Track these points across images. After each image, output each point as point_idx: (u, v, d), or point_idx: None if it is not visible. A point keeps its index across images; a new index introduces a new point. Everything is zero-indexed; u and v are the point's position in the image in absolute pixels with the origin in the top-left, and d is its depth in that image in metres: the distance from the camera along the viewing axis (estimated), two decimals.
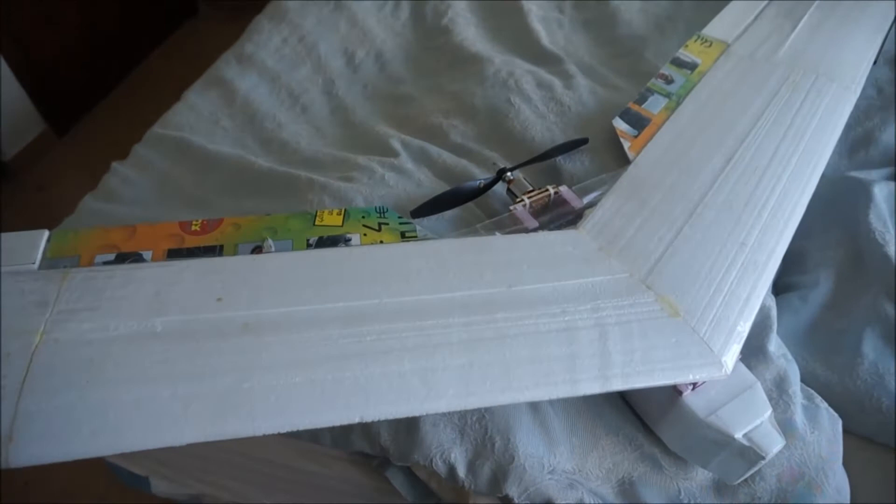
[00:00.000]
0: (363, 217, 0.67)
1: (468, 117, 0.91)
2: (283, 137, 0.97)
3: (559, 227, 0.70)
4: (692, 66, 0.92)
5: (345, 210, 0.67)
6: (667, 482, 0.62)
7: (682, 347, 0.58)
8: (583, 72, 1.01)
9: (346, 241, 0.64)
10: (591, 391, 0.55)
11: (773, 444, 0.56)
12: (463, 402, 0.52)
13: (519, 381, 0.54)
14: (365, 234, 0.65)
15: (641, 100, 0.85)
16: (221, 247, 0.62)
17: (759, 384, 0.60)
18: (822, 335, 0.79)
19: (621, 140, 0.79)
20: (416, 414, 0.52)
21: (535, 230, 0.69)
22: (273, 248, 0.62)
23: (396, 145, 0.87)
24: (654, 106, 0.85)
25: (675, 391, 0.58)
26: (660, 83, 0.88)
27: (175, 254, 0.61)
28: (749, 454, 0.56)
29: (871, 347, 0.74)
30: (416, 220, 0.72)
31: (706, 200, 0.71)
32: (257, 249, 0.63)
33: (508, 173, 0.76)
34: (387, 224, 0.67)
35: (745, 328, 0.60)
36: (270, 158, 0.91)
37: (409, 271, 0.61)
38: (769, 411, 0.58)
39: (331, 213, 0.67)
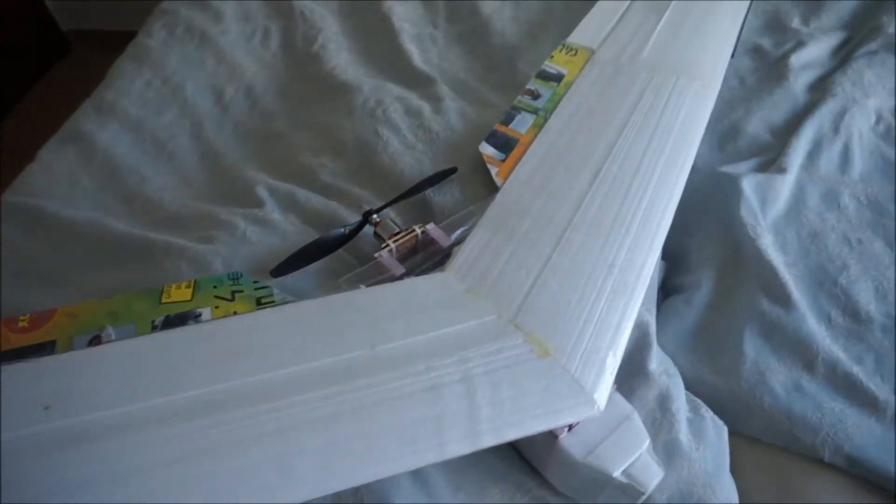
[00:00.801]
0: (215, 287, 0.63)
1: (337, 153, 0.88)
2: (147, 193, 0.91)
3: (429, 270, 0.67)
4: (558, 78, 0.91)
5: (195, 282, 0.63)
6: None
7: (553, 390, 0.56)
8: (455, 91, 0.99)
9: (196, 318, 0.60)
10: (460, 452, 0.52)
11: (652, 477, 0.56)
12: (322, 488, 0.49)
13: (382, 454, 0.51)
14: (217, 307, 0.61)
15: (508, 119, 0.84)
16: (54, 342, 0.57)
17: (635, 413, 0.59)
18: (708, 337, 0.79)
19: (488, 166, 0.77)
20: None
21: (401, 277, 0.66)
22: (112, 337, 0.57)
23: (262, 193, 0.82)
24: (522, 125, 0.83)
25: (551, 435, 0.57)
26: (526, 99, 0.87)
27: None
28: (630, 490, 0.56)
29: (751, 346, 0.75)
30: (279, 280, 0.68)
31: (574, 223, 0.70)
32: (96, 340, 0.58)
33: (374, 215, 0.73)
34: (241, 292, 0.63)
35: (616, 358, 0.59)
36: (131, 220, 0.85)
37: (265, 344, 0.57)
38: (647, 442, 0.57)
39: (179, 287, 0.63)
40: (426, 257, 0.69)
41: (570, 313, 0.62)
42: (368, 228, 0.74)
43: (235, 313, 0.60)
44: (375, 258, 0.68)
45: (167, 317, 0.60)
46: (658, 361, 0.70)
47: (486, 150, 0.79)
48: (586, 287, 0.64)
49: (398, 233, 0.70)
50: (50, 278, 0.80)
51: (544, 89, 0.89)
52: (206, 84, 1.10)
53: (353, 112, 0.93)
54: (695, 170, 0.94)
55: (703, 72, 0.92)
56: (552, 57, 0.94)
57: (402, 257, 0.69)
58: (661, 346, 0.79)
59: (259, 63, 1.14)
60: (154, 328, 0.59)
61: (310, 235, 0.75)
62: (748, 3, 1.03)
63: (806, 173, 0.91)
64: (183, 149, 0.99)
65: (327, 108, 0.98)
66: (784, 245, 0.84)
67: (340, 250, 0.73)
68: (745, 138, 0.97)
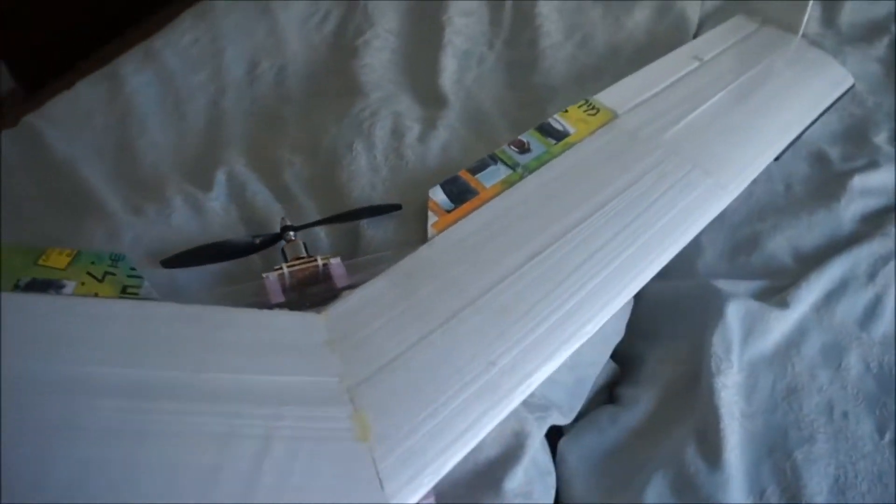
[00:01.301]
0: (92, 263, 0.62)
1: (310, 156, 0.85)
2: (137, 146, 0.92)
3: (312, 306, 0.63)
4: (560, 136, 0.83)
5: (77, 252, 0.63)
6: None
7: (348, 481, 0.51)
8: (465, 120, 0.93)
9: (58, 289, 0.60)
10: None
11: None
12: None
13: (136, 487, 0.48)
14: (83, 283, 0.61)
15: (479, 168, 0.77)
16: None
17: None
18: (617, 466, 0.70)
19: (429, 213, 0.71)
20: None
21: (276, 306, 0.62)
22: None
23: (220, 178, 0.81)
24: (490, 178, 0.76)
25: None
26: (510, 151, 0.80)
27: None
28: None
29: (654, 494, 0.65)
30: (172, 272, 0.67)
31: (479, 303, 0.63)
32: None
33: (291, 233, 0.70)
34: (113, 275, 0.62)
35: (440, 468, 0.53)
36: (106, 172, 0.87)
37: (90, 336, 0.56)
38: None
39: (61, 253, 0.63)
40: (316, 292, 0.65)
41: (416, 402, 0.56)
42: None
43: (97, 294, 0.60)
44: (263, 277, 0.65)
45: (33, 280, 0.60)
46: (524, 481, 0.62)
47: (437, 195, 0.73)
48: (452, 378, 0.57)
49: (301, 258, 0.67)
50: (16, 207, 0.83)
51: (537, 144, 0.81)
52: (245, 53, 1.11)
53: (345, 117, 0.89)
54: (686, 273, 0.84)
55: (725, 170, 0.80)
56: (566, 111, 0.86)
57: (295, 285, 0.66)
58: (565, 458, 0.71)
59: (305, 44, 1.13)
60: (16, 287, 0.59)
61: (234, 234, 0.73)
62: (819, 110, 0.89)
63: (815, 315, 0.77)
64: (195, 112, 1.01)
65: (332, 105, 0.95)
66: (752, 391, 0.72)
67: (256, 256, 0.71)
68: (762, 255, 0.84)
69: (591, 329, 0.63)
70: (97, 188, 0.80)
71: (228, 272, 0.70)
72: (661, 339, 0.80)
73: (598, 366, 0.76)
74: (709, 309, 0.77)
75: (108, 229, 0.72)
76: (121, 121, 0.98)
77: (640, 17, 1.18)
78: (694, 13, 1.19)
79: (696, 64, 0.98)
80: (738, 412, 0.70)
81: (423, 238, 0.69)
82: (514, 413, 0.64)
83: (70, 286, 0.60)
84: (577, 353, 0.73)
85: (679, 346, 0.78)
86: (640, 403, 0.74)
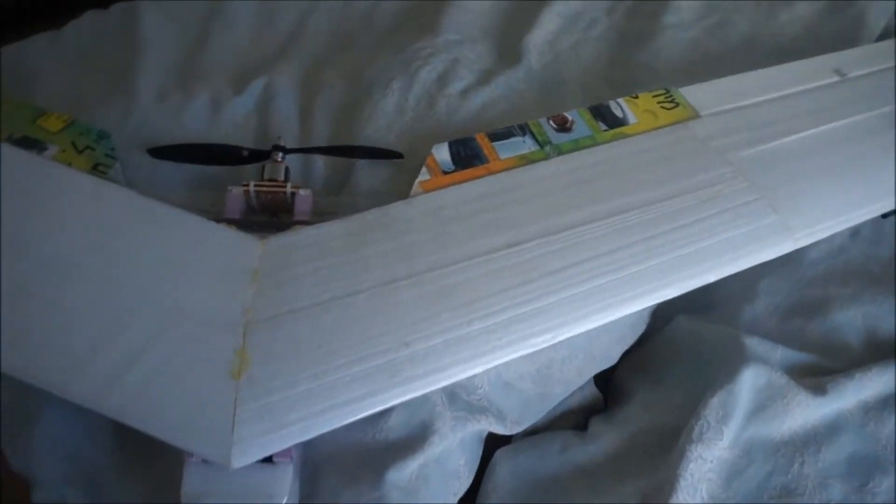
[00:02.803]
0: (80, 134, 0.64)
1: (351, 85, 0.80)
2: (213, 41, 0.91)
3: (266, 230, 0.60)
4: (615, 122, 0.71)
5: (71, 121, 0.65)
6: None
7: (202, 410, 0.49)
8: (530, 84, 0.84)
9: (42, 150, 0.62)
10: None
11: None
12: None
13: None
14: (63, 151, 0.62)
15: (502, 135, 0.68)
16: None
17: (284, 501, 0.49)
18: (547, 498, 0.62)
19: (423, 169, 0.65)
20: None
21: (228, 221, 0.60)
22: None
23: (257, 85, 0.79)
24: (510, 149, 0.67)
25: (185, 451, 0.49)
26: (547, 126, 0.70)
27: None
28: None
29: None
30: (160, 163, 0.67)
31: (424, 277, 0.56)
32: None
33: (280, 154, 0.67)
34: (93, 150, 0.63)
35: (303, 433, 0.49)
36: (167, 55, 0.87)
37: (49, 202, 0.58)
38: None
39: (59, 117, 0.65)
40: (273, 221, 0.62)
41: (307, 358, 0.51)
42: None
43: (70, 164, 0.61)
44: (228, 189, 0.63)
45: (24, 136, 0.62)
46: (413, 476, 0.56)
47: (440, 152, 0.66)
48: (356, 346, 0.52)
49: (273, 180, 0.64)
50: (70, 69, 0.86)
51: (583, 126, 0.71)
52: None
53: (401, 53, 0.83)
54: (727, 318, 0.71)
55: (799, 213, 0.65)
56: (635, 97, 0.74)
57: (257, 206, 0.63)
58: (495, 468, 0.64)
59: None
60: (8, 139, 0.62)
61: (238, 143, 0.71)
62: None
63: (860, 417, 0.62)
64: (282, 23, 0.96)
65: (405, 39, 0.89)
66: (736, 476, 0.60)
67: (250, 167, 0.69)
68: (824, 325, 0.69)
69: (539, 343, 0.55)
70: (146, 67, 0.81)
71: (212, 178, 0.69)
72: (661, 382, 0.69)
73: (569, 386, 0.67)
74: (723, 366, 0.64)
75: (126, 107, 0.74)
76: (210, 16, 0.99)
77: (802, 11, 0.99)
78: (880, 16, 0.96)
79: (835, 79, 0.80)
80: (705, 492, 0.58)
81: (407, 194, 0.63)
82: (429, 404, 0.58)
83: (53, 150, 0.62)
84: (548, 367, 0.65)
85: (673, 395, 0.66)
86: (600, 442, 0.64)
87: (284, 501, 0.49)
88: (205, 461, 0.49)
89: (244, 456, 0.47)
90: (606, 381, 0.75)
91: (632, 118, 0.72)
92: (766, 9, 0.99)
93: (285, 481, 0.49)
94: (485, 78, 0.82)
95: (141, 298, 0.53)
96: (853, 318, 0.68)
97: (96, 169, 0.61)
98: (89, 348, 0.51)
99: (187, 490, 0.48)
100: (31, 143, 0.62)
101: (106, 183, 0.60)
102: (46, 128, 0.64)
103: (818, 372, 0.65)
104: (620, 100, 0.73)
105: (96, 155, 0.63)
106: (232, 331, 0.52)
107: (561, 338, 0.56)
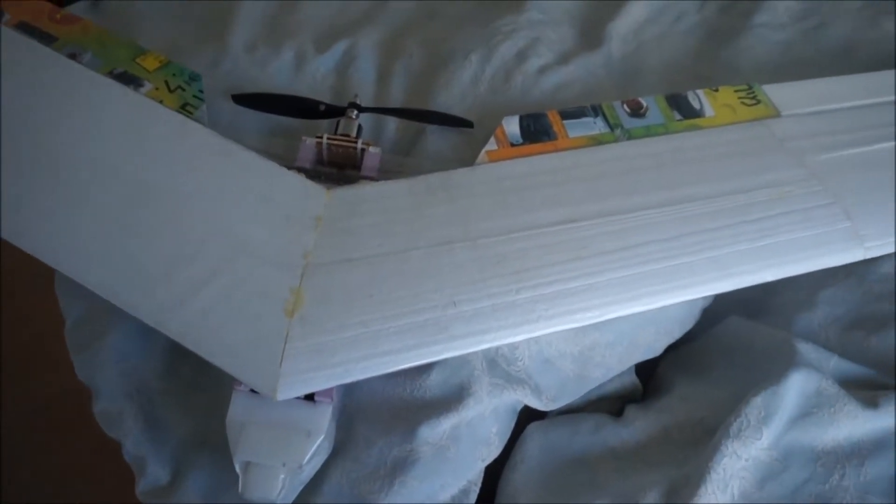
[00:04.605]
0: (173, 75, 0.68)
1: (431, 53, 0.82)
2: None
3: (335, 182, 0.63)
4: (690, 113, 0.70)
5: (167, 61, 0.69)
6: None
7: (255, 340, 0.52)
8: (609, 70, 0.83)
9: (138, 86, 0.66)
10: None
11: (266, 491, 0.49)
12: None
13: None
14: (157, 88, 0.67)
15: (574, 114, 0.69)
16: (56, 38, 0.69)
17: (322, 440, 0.51)
18: (574, 476, 0.62)
19: (492, 139, 0.66)
20: None
21: (298, 170, 0.63)
22: (84, 61, 0.67)
23: (340, 46, 0.82)
24: (581, 128, 0.68)
25: (235, 380, 0.53)
26: (620, 109, 0.70)
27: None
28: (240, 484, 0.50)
29: None
30: (241, 109, 0.71)
31: (480, 242, 0.58)
32: (75, 56, 0.68)
33: (355, 112, 0.69)
34: (183, 90, 0.67)
35: (345, 375, 0.51)
36: (262, 10, 0.91)
37: (139, 133, 0.62)
38: (296, 465, 0.50)
39: (157, 57, 0.69)
40: (342, 174, 0.64)
41: (357, 305, 0.54)
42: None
43: (161, 102, 0.65)
44: (302, 139, 0.65)
45: (125, 72, 0.67)
46: (445, 435, 0.57)
47: (510, 125, 0.67)
48: (405, 298, 0.54)
49: (346, 136, 0.66)
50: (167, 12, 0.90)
51: (657, 113, 0.70)
52: None
53: (486, 26, 0.84)
54: (781, 323, 0.69)
55: (874, 222, 0.63)
56: (716, 90, 0.73)
57: (328, 159, 0.66)
58: (526, 440, 0.65)
59: None
60: (110, 73, 0.67)
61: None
62: None
63: None
64: None
65: (490, 15, 0.90)
66: (771, 478, 0.58)
67: (325, 125, 0.72)
68: (886, 341, 0.66)
69: (584, 318, 0.56)
70: (239, 19, 0.84)
71: (289, 128, 0.72)
72: (704, 377, 0.68)
73: (609, 371, 0.67)
74: (772, 368, 0.63)
75: (216, 55, 0.78)
76: None
77: None
78: None
79: None
80: (736, 490, 0.57)
81: (472, 162, 0.65)
82: (469, 367, 0.60)
83: (147, 87, 0.67)
84: (591, 349, 0.66)
85: (715, 392, 0.65)
86: (633, 428, 0.64)
87: (321, 439, 0.51)
88: (252, 391, 0.52)
89: (288, 390, 0.50)
90: (649, 374, 0.74)
91: (709, 111, 0.71)
92: (870, 16, 0.95)
93: (324, 420, 0.52)
94: (563, 59, 0.82)
95: (211, 231, 0.57)
96: None
97: (184, 108, 0.65)
98: (160, 272, 0.55)
99: (233, 416, 0.51)
100: (129, 79, 0.67)
101: (191, 121, 0.64)
102: (144, 66, 0.68)
103: (874, 387, 0.63)
104: (700, 91, 0.72)
105: (186, 95, 0.66)
106: (291, 271, 0.55)
107: (606, 317, 0.57)
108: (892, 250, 0.63)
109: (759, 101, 0.72)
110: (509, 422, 0.64)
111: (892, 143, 0.69)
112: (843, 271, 0.71)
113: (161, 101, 0.65)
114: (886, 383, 0.63)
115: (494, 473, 0.65)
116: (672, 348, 0.72)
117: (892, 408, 0.59)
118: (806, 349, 0.64)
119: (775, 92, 0.73)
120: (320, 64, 0.80)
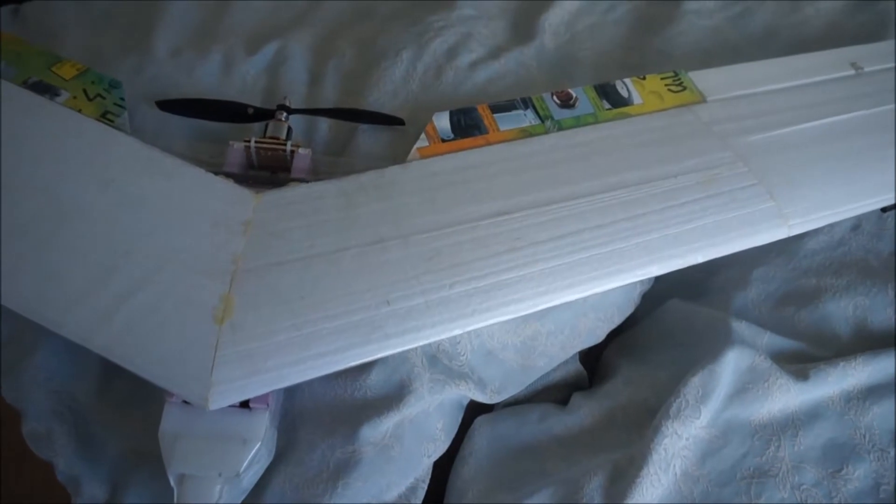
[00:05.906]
0: (92, 82, 0.66)
1: (362, 53, 0.81)
2: (235, 4, 0.94)
3: (269, 185, 0.62)
4: (619, 102, 0.71)
5: (85, 69, 0.67)
6: None
7: (185, 351, 0.50)
8: (542, 63, 0.84)
9: (54, 95, 0.64)
10: None
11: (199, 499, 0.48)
12: None
13: None
14: (75, 97, 0.65)
15: (504, 108, 0.69)
16: None
17: (259, 448, 0.50)
18: (521, 465, 0.63)
19: (422, 136, 0.65)
20: None
21: (227, 175, 0.62)
22: None
23: (271, 48, 0.81)
24: (511, 121, 0.68)
25: (166, 391, 0.51)
26: (550, 101, 0.70)
27: None
28: (174, 496, 0.49)
29: None
30: (166, 116, 0.69)
31: (411, 240, 0.58)
32: None
33: (284, 114, 0.68)
34: (103, 98, 0.65)
35: (278, 380, 0.50)
36: (188, 15, 0.89)
37: (56, 145, 0.60)
38: (231, 474, 0.49)
39: (74, 65, 0.67)
40: (271, 177, 0.64)
41: (289, 308, 0.53)
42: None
43: (80, 111, 0.63)
44: (230, 144, 0.64)
45: (39, 81, 0.65)
46: (388, 434, 0.57)
47: (440, 121, 0.67)
48: (338, 299, 0.54)
49: (275, 139, 0.65)
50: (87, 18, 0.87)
51: (586, 103, 0.71)
52: None
53: (416, 24, 0.84)
54: (717, 303, 0.71)
55: (796, 201, 0.64)
56: (643, 78, 0.74)
57: (256, 163, 0.65)
58: (474, 434, 0.65)
59: None
60: (24, 83, 0.64)
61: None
62: None
63: (841, 405, 0.62)
64: None
65: (422, 12, 0.89)
66: (711, 454, 0.60)
67: (255, 125, 0.70)
68: (815, 314, 0.68)
69: (519, 310, 0.56)
70: (164, 26, 0.83)
71: (216, 133, 0.70)
72: (646, 361, 0.69)
73: (553, 360, 0.67)
74: (708, 347, 0.64)
75: (140, 61, 0.76)
76: None
77: (827, 5, 0.97)
78: None
79: (851, 73, 0.79)
80: (678, 468, 0.59)
81: (405, 159, 0.64)
82: (409, 365, 0.60)
83: (64, 96, 0.64)
84: (532, 339, 0.66)
85: (657, 374, 0.67)
86: (578, 414, 0.65)
87: (258, 446, 0.50)
88: (184, 402, 0.51)
89: (221, 398, 0.49)
90: (594, 362, 0.75)
91: (637, 99, 0.72)
92: (791, 2, 0.98)
93: (260, 426, 0.51)
94: (495, 53, 0.82)
95: (136, 242, 0.55)
96: (844, 309, 0.68)
97: (105, 116, 0.63)
98: (84, 286, 0.53)
99: (165, 428, 0.50)
100: (44, 88, 0.65)
101: (111, 130, 0.62)
102: (60, 74, 0.66)
103: (804, 359, 0.65)
104: (627, 80, 0.73)
105: (106, 103, 0.64)
106: (220, 278, 0.54)
107: (541, 307, 0.57)
108: (817, 226, 0.64)
109: (685, 88, 0.74)
110: (456, 417, 0.64)
111: (814, 123, 0.71)
112: (776, 249, 0.73)
113: (79, 110, 0.63)
114: (816, 355, 0.65)
115: (445, 469, 0.65)
116: (615, 334, 0.74)
117: (822, 380, 0.61)
118: (740, 327, 0.66)
119: (701, 78, 0.75)
120: (251, 66, 0.79)
